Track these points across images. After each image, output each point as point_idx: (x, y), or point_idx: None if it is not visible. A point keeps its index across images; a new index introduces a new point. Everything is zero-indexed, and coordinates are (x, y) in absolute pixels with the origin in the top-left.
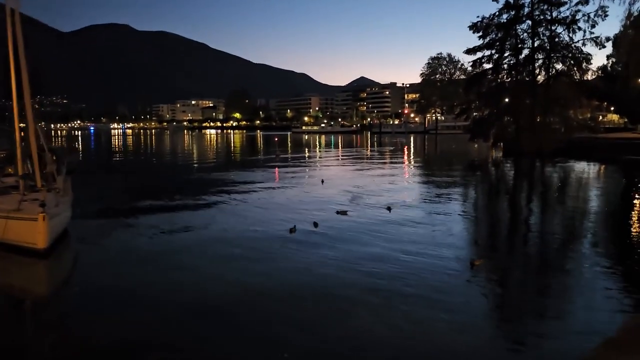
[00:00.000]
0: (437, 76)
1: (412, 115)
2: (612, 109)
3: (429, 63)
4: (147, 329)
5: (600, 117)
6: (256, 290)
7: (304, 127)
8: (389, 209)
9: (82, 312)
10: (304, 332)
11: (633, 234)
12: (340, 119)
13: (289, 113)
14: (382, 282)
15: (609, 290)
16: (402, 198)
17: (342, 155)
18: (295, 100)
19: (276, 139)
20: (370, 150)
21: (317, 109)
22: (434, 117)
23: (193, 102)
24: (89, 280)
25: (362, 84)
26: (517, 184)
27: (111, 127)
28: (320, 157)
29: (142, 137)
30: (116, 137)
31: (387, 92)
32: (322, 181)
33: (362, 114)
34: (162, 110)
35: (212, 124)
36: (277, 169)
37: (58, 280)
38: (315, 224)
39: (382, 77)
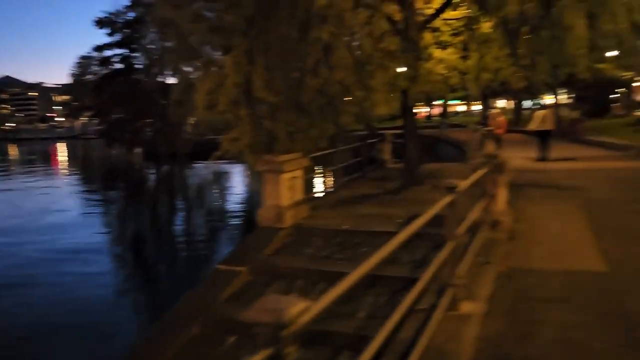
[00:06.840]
0: (89, 77)
1: (62, 118)
2: None
3: (79, 62)
4: None
5: None
6: None
7: None
8: None
9: None
10: None
11: None
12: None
13: None
14: None
15: None
16: None
17: None
18: None
19: None
20: None
21: None
22: (89, 121)
23: None
24: None
25: (7, 82)
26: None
27: None
28: None
29: None
30: None
31: (35, 94)
32: None
33: (4, 117)
34: None
35: None
36: None
37: None
38: None
39: (33, 76)
